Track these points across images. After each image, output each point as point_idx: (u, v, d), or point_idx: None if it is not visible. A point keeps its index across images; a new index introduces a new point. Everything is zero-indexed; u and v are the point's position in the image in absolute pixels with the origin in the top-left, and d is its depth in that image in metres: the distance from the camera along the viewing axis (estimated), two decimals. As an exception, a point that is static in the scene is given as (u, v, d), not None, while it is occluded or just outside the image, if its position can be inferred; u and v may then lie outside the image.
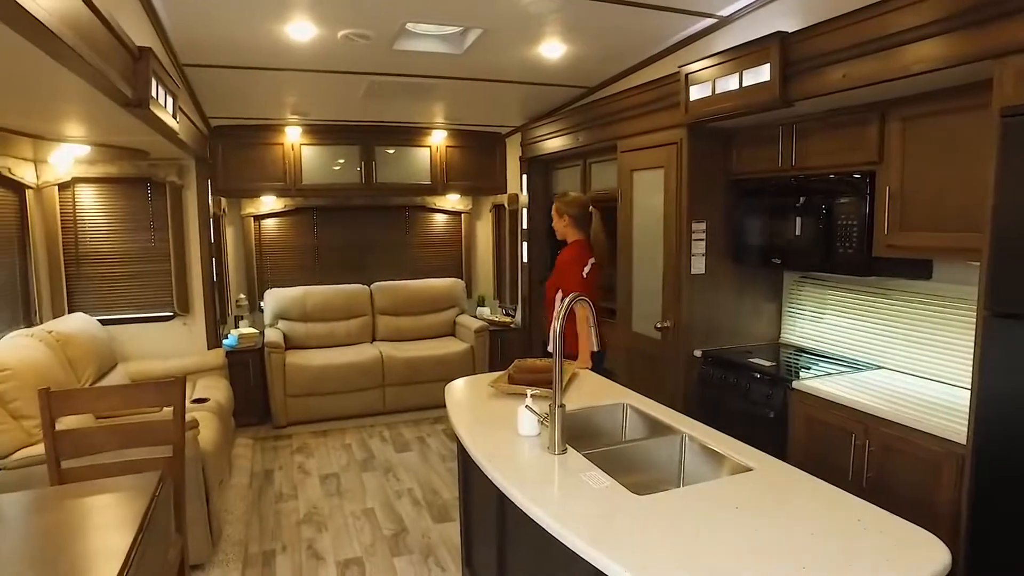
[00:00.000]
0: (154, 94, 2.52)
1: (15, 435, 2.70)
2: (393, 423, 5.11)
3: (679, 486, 2.04)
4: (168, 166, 4.34)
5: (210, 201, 4.70)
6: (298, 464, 4.32)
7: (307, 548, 3.22)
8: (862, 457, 2.42)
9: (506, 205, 5.76)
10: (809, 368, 3.04)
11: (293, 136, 5.13)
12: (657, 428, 2.28)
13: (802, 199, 2.93)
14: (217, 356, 4.44)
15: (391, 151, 5.52)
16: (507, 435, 2.13)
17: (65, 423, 2.84)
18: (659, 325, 3.56)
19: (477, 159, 5.73)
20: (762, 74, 2.70)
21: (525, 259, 5.50)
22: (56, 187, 4.10)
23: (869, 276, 2.86)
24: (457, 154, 5.67)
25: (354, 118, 5.09)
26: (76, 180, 4.22)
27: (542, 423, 2.07)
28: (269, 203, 5.51)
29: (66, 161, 3.97)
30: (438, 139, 5.57)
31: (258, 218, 5.55)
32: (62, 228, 4.19)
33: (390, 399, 5.24)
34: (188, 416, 2.88)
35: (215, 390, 4.06)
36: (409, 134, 5.47)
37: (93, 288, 4.36)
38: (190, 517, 2.89)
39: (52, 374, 3.08)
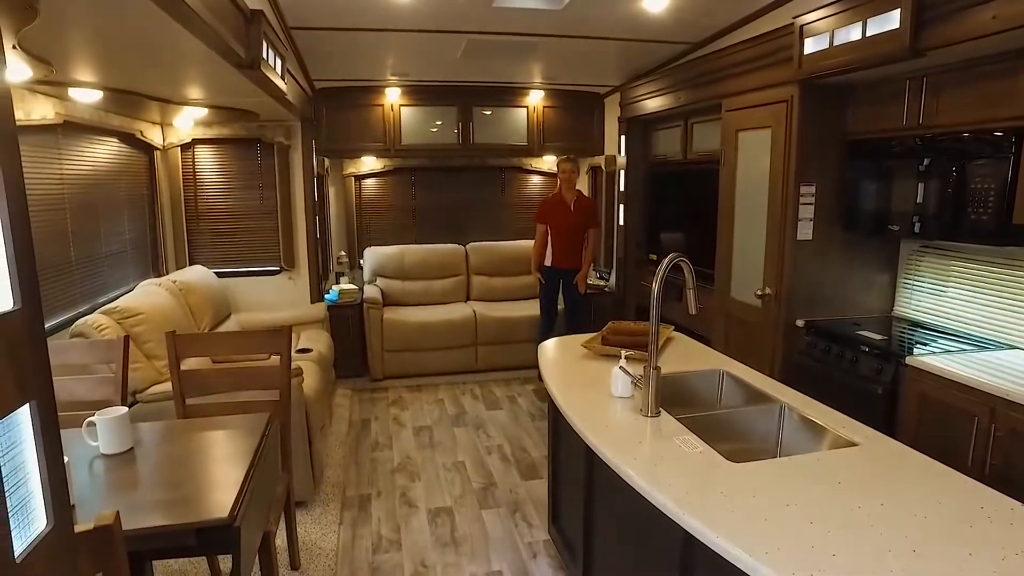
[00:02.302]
0: (264, 55, 2.63)
1: (148, 372, 2.97)
2: (484, 381, 5.22)
3: (776, 457, 1.97)
4: (276, 127, 4.54)
5: (314, 161, 4.90)
6: (393, 416, 4.51)
7: (400, 495, 3.38)
8: (985, 442, 2.23)
9: (603, 167, 5.66)
10: (926, 344, 2.82)
11: (393, 97, 5.23)
12: (754, 397, 2.20)
13: (927, 161, 2.68)
14: (319, 309, 4.68)
15: (488, 112, 5.52)
16: (599, 396, 2.12)
17: (188, 364, 3.09)
18: (760, 292, 3.41)
19: (574, 120, 5.64)
20: (890, 21, 2.46)
21: (621, 222, 5.40)
22: (179, 148, 4.41)
23: (1006, 246, 2.59)
24: (554, 115, 5.60)
25: (452, 78, 5.11)
26: (196, 141, 4.51)
27: (636, 385, 2.05)
28: (369, 163, 5.68)
29: (187, 124, 4.24)
30: (535, 99, 5.51)
31: (359, 178, 5.74)
32: (184, 186, 4.51)
33: (482, 358, 5.35)
34: (293, 365, 3.07)
35: (317, 342, 4.28)
36: (506, 95, 5.45)
37: (210, 243, 4.69)
38: (294, 458, 3.10)
39: (176, 319, 3.35)
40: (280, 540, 2.85)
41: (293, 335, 4.37)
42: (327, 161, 5.30)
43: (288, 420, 2.61)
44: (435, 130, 5.46)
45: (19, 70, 2.34)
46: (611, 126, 5.53)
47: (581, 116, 5.63)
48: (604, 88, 5.44)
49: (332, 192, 5.65)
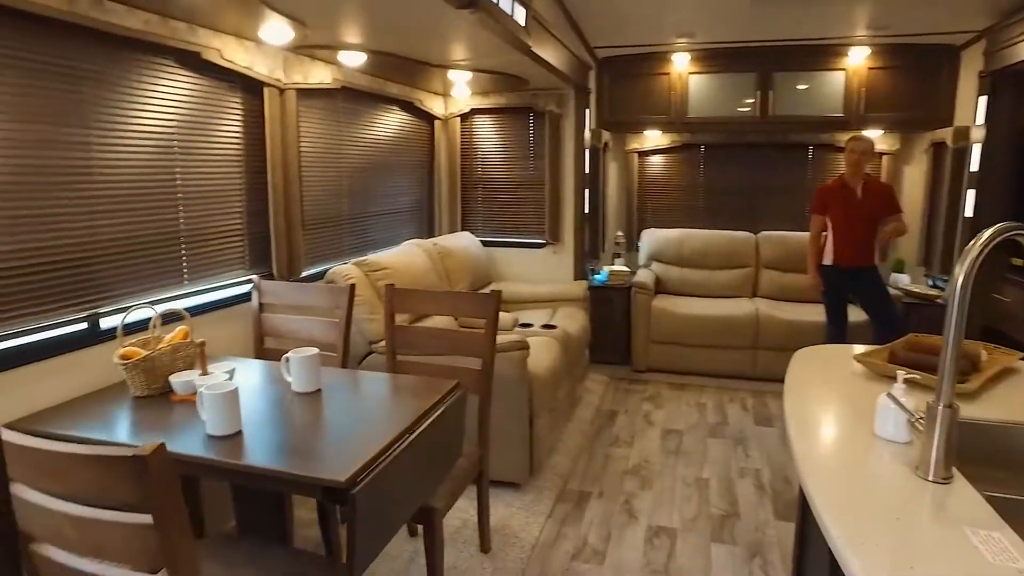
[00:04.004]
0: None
1: (382, 325, 3.07)
2: (760, 391, 4.44)
3: None
4: (547, 96, 4.42)
5: (587, 133, 4.67)
6: (644, 412, 4.08)
7: (623, 502, 2.96)
8: None
9: (949, 143, 4.31)
10: None
11: (680, 64, 4.70)
12: None
13: None
14: (579, 288, 4.45)
15: (794, 77, 4.61)
16: (858, 434, 1.44)
17: (429, 323, 3.13)
18: None
19: (912, 82, 4.39)
20: None
21: (969, 212, 4.05)
22: (458, 118, 4.58)
23: None
24: (883, 77, 4.44)
25: (748, 38, 4.37)
26: (474, 111, 4.64)
27: (915, 426, 1.32)
28: (654, 139, 5.25)
29: (465, 94, 4.38)
30: (856, 59, 4.43)
31: (641, 154, 5.36)
32: (461, 155, 4.69)
33: (761, 364, 4.56)
34: (524, 338, 2.88)
35: (570, 320, 4.06)
36: (816, 55, 4.49)
37: (481, 211, 4.82)
38: (509, 437, 2.92)
39: (426, 279, 3.44)
40: (471, 518, 2.71)
41: (546, 310, 4.26)
42: (605, 135, 5.03)
43: (488, 392, 2.41)
44: (728, 100, 4.76)
45: (280, 32, 2.52)
46: (966, 88, 4.16)
47: (923, 77, 4.36)
48: (962, 35, 4.09)
49: (612, 169, 5.38)
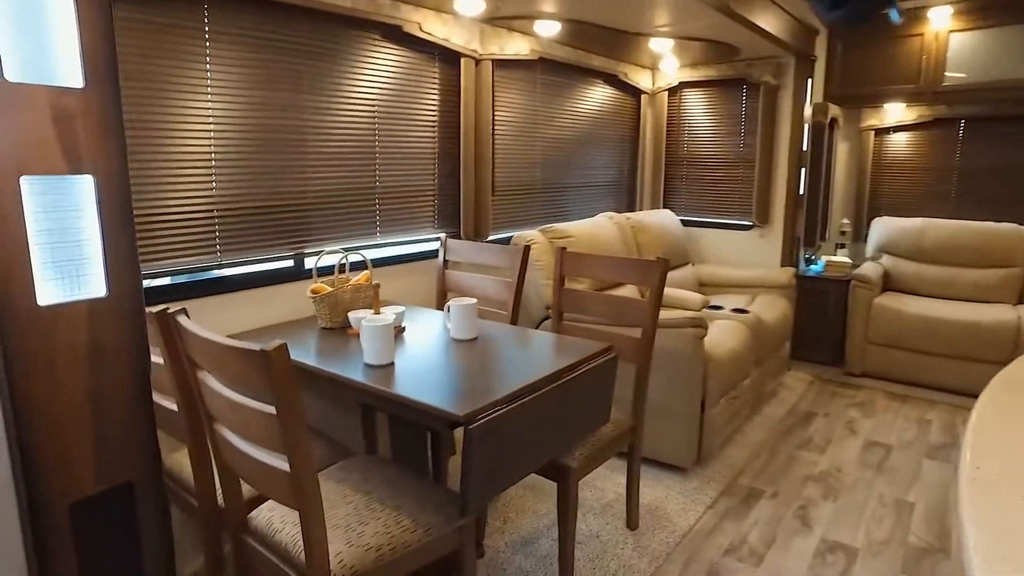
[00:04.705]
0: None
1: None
2: (1009, 417, 3.65)
3: None
4: (763, 65, 4.04)
5: (808, 106, 4.18)
6: (848, 419, 3.60)
7: (798, 507, 2.67)
8: None
9: None
10: None
11: (939, 20, 3.99)
12: None
13: None
14: (785, 275, 4.05)
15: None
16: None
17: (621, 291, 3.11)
18: None
19: None
20: None
21: None
22: (666, 92, 4.41)
23: None
24: None
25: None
26: (683, 85, 4.42)
27: None
28: (896, 113, 4.54)
29: (673, 67, 4.19)
30: None
31: (880, 132, 4.67)
32: (667, 131, 4.51)
33: (1016, 385, 3.74)
34: (703, 317, 2.72)
35: (768, 308, 3.73)
36: None
37: (682, 189, 4.59)
38: (678, 418, 2.79)
39: (611, 251, 3.40)
40: (620, 490, 2.67)
41: (745, 296, 3.96)
42: (833, 110, 4.46)
43: (646, 363, 2.32)
44: (1004, 61, 3.93)
45: (472, 2, 2.66)
46: None
47: None
48: None
49: (842, 149, 4.77)
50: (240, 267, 2.33)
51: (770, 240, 4.30)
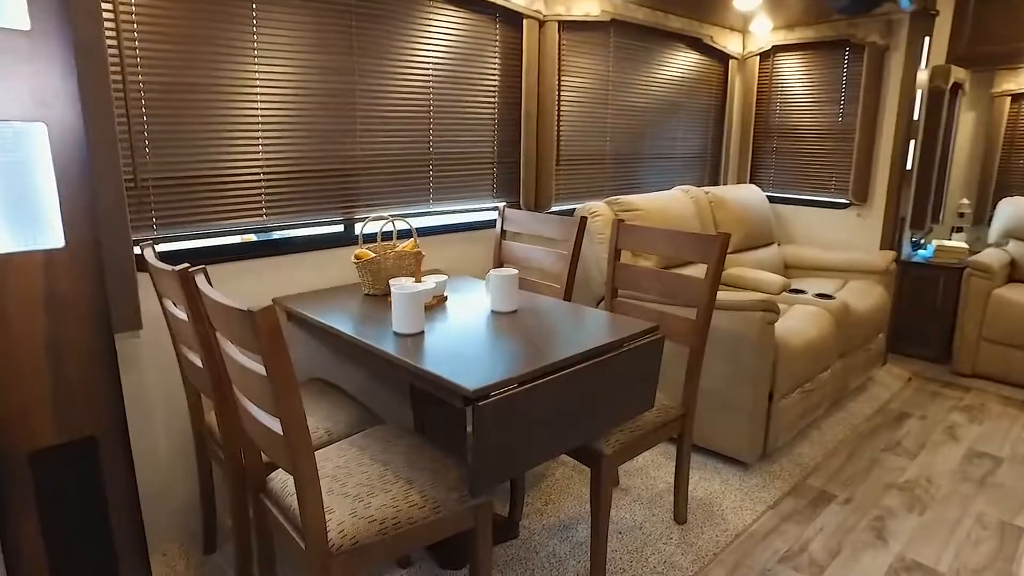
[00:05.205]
0: None
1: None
2: None
3: None
4: (870, 24, 3.58)
5: (924, 70, 3.70)
6: (950, 424, 3.22)
7: (875, 518, 2.40)
8: None
9: None
10: None
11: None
12: None
13: None
14: (883, 259, 3.64)
15: None
16: None
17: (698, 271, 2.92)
18: None
19: None
20: None
21: None
22: (757, 57, 4.04)
23: None
24: None
25: None
26: (776, 49, 4.03)
27: None
28: (1039, 76, 3.95)
29: (767, 28, 3.82)
30: None
31: (1017, 97, 4.08)
32: (757, 100, 4.15)
33: None
34: (774, 300, 2.49)
35: (861, 295, 3.38)
36: None
37: (772, 163, 4.21)
38: (741, 409, 2.59)
39: (685, 225, 3.19)
40: (669, 480, 2.52)
41: (835, 280, 3.61)
42: (957, 72, 3.93)
43: (700, 346, 2.14)
44: None
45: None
46: None
47: None
48: None
49: (968, 119, 4.22)
50: (288, 231, 2.34)
51: (868, 220, 3.88)
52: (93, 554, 0.96)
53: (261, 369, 1.24)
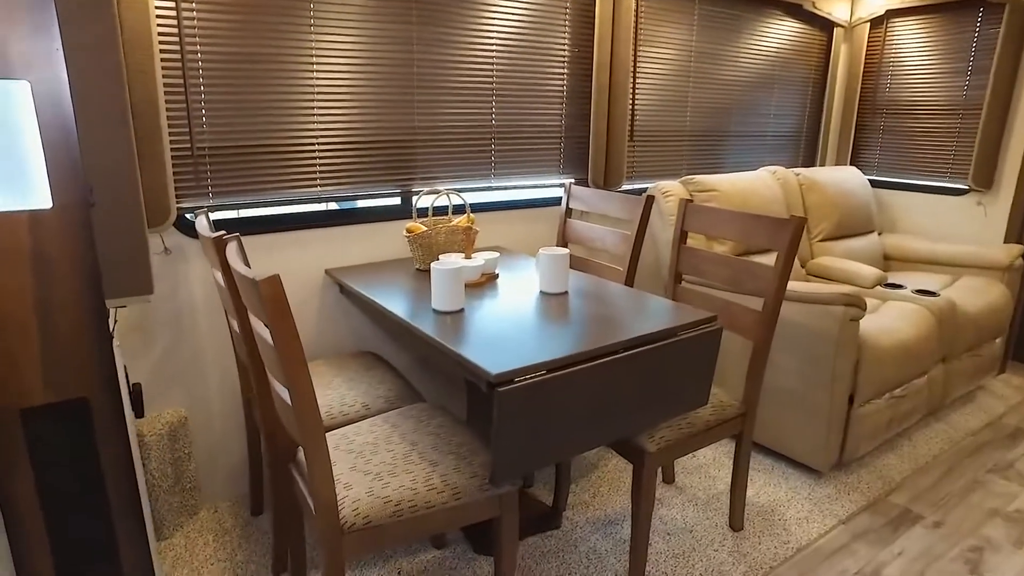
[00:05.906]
0: None
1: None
2: None
3: None
4: (1011, -22, 3.13)
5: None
6: (1075, 445, 2.82)
7: (970, 547, 2.12)
8: None
9: None
10: None
11: None
12: None
13: None
14: (1006, 254, 3.20)
15: None
16: None
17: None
18: None
19: None
20: None
21: None
22: (867, 24, 3.63)
23: None
24: None
25: None
26: (890, 13, 3.60)
27: None
28: None
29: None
30: None
31: None
32: (864, 72, 3.74)
33: None
34: (860, 296, 2.24)
35: (973, 293, 2.99)
36: None
37: (878, 143, 3.79)
38: (815, 411, 2.37)
39: (767, 209, 2.95)
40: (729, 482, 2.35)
41: (945, 276, 3.23)
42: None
43: (766, 340, 1.95)
44: None
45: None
46: None
47: None
48: None
49: None
50: (343, 202, 2.34)
51: (992, 209, 3.42)
52: (89, 513, 0.97)
53: (269, 338, 1.21)
